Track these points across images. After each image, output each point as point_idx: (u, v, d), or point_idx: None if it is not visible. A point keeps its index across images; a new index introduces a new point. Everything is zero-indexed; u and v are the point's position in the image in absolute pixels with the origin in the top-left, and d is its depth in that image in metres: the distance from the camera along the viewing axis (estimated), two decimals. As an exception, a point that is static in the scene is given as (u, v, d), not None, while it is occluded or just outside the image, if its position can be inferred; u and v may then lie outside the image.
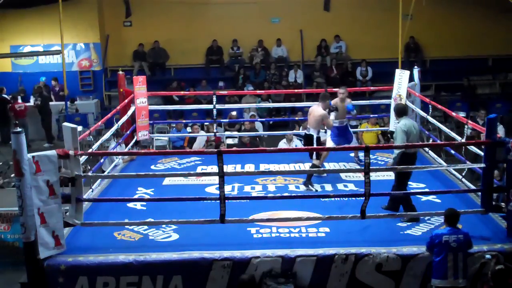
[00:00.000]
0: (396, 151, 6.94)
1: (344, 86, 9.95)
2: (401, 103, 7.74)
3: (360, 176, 7.41)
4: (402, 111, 7.33)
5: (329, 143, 9.40)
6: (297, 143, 11.71)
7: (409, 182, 8.06)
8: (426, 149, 9.82)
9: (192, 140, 12.39)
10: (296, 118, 13.02)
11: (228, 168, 8.38)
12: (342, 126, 9.36)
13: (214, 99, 10.96)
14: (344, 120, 9.38)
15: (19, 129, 5.83)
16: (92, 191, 7.93)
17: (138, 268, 6.02)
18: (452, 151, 8.62)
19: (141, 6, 16.87)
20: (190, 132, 12.62)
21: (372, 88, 13.78)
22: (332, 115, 8.93)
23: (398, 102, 10.29)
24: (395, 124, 7.92)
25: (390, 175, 8.51)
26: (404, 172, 6.99)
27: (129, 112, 10.03)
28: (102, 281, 6.02)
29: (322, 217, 6.77)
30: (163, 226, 6.75)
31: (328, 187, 8.22)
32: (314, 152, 8.68)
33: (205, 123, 13.03)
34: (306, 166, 9.31)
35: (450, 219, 5.97)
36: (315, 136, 8.53)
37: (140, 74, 13.89)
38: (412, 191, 7.73)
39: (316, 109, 8.62)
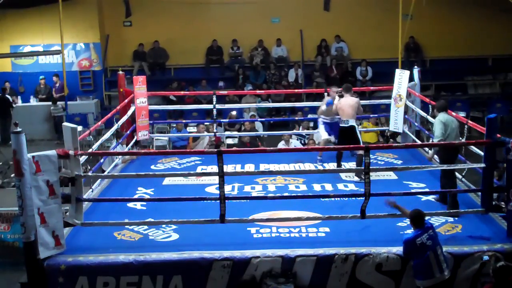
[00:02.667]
0: (435, 140, 7.15)
1: (335, 86, 10.23)
2: (442, 100, 7.93)
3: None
4: (443, 107, 7.41)
5: (324, 135, 9.67)
6: (296, 143, 11.71)
7: (411, 182, 8.08)
8: (426, 149, 9.80)
9: (196, 139, 12.37)
10: (296, 118, 13.03)
11: (228, 168, 8.37)
12: (333, 122, 9.62)
13: (214, 99, 10.97)
14: (335, 117, 9.52)
15: (19, 129, 5.83)
16: (92, 191, 7.93)
17: (138, 268, 6.01)
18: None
19: (141, 6, 16.89)
20: (191, 132, 12.58)
21: (372, 88, 13.79)
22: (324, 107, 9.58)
23: (398, 102, 10.32)
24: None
25: (390, 175, 8.55)
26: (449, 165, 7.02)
27: (129, 112, 10.04)
28: (102, 281, 6.01)
29: (322, 217, 6.78)
30: (163, 226, 6.74)
31: (328, 187, 8.22)
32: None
33: (205, 123, 13.03)
34: (306, 166, 9.32)
35: (416, 220, 5.88)
36: (356, 126, 9.00)
37: (140, 74, 13.88)
38: (412, 191, 7.75)
39: (348, 99, 8.98)
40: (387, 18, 14.96)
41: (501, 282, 5.33)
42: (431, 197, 7.56)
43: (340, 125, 9.03)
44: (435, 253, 5.72)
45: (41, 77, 16.41)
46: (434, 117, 9.78)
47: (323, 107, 9.70)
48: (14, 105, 15.17)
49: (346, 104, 8.94)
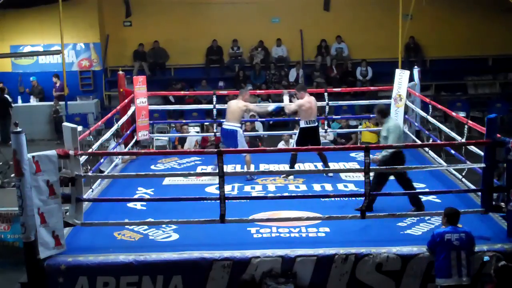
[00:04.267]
0: (389, 150, 7.00)
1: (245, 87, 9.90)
2: (381, 104, 7.92)
3: (360, 176, 7.40)
4: (386, 112, 7.43)
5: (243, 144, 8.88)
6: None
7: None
8: (426, 149, 9.82)
9: (183, 140, 12.35)
10: (296, 118, 12.98)
11: (228, 168, 8.38)
12: (230, 129, 8.85)
13: (214, 99, 10.97)
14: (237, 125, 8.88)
15: (19, 129, 5.83)
16: (92, 191, 7.93)
17: (138, 268, 6.02)
18: (452, 151, 8.62)
19: (141, 6, 16.87)
20: (181, 132, 12.51)
21: (372, 88, 13.78)
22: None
23: (398, 102, 10.32)
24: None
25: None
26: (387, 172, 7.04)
27: (129, 112, 10.04)
28: (102, 281, 6.01)
29: (322, 217, 6.78)
30: (163, 226, 6.75)
31: (328, 187, 8.22)
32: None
33: (205, 123, 13.01)
34: (306, 166, 9.32)
35: (451, 217, 5.93)
36: None
37: (140, 74, 13.87)
38: (412, 191, 7.74)
39: (313, 99, 8.99)
40: (387, 18, 14.96)
41: (503, 282, 5.33)
42: (431, 197, 7.56)
43: (307, 125, 8.86)
44: (458, 255, 5.72)
45: (31, 78, 16.36)
46: (434, 117, 9.87)
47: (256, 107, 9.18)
48: (13, 105, 15.16)
49: (314, 103, 8.97)
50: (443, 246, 5.77)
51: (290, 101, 9.28)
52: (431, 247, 5.92)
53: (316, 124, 9.01)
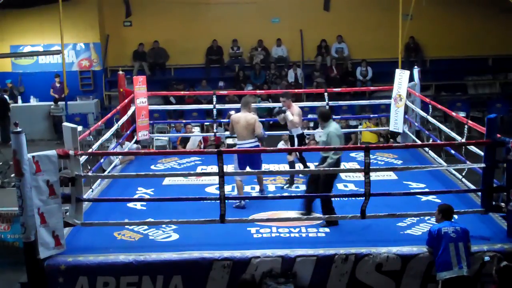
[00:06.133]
0: (334, 156, 6.88)
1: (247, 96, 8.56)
2: (323, 107, 7.71)
3: (360, 176, 7.40)
4: (328, 115, 7.22)
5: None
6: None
7: (411, 182, 8.08)
8: (426, 149, 9.82)
9: (185, 140, 12.35)
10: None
11: (228, 168, 8.38)
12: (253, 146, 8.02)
13: (214, 99, 10.97)
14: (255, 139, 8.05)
15: (19, 129, 5.83)
16: (92, 191, 7.93)
17: (138, 268, 6.01)
18: (452, 151, 8.63)
19: (141, 6, 16.89)
20: (185, 132, 12.55)
21: (372, 88, 13.78)
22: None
23: (398, 102, 10.32)
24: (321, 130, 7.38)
25: (390, 175, 8.55)
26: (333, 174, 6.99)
27: (129, 112, 10.04)
28: (102, 281, 6.01)
29: (322, 217, 6.79)
30: (163, 226, 6.75)
31: (328, 187, 8.21)
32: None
33: (205, 123, 13.00)
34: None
35: (446, 213, 6.01)
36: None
37: (140, 74, 13.88)
38: (412, 191, 7.75)
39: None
40: (387, 18, 14.96)
41: (505, 282, 5.32)
42: (431, 197, 7.56)
43: (302, 130, 8.62)
44: (456, 247, 5.75)
45: (7, 81, 16.33)
46: (434, 117, 9.86)
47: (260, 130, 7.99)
48: (10, 106, 15.18)
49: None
50: (440, 240, 5.80)
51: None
52: (430, 242, 5.95)
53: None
